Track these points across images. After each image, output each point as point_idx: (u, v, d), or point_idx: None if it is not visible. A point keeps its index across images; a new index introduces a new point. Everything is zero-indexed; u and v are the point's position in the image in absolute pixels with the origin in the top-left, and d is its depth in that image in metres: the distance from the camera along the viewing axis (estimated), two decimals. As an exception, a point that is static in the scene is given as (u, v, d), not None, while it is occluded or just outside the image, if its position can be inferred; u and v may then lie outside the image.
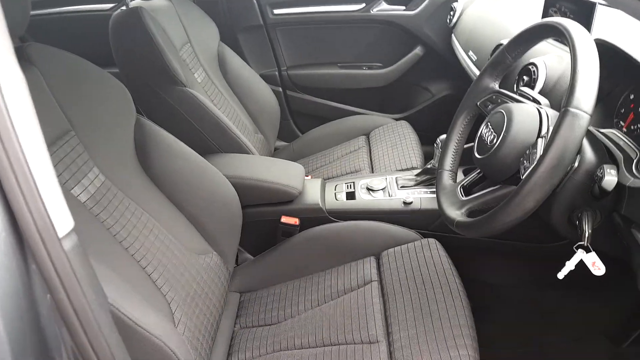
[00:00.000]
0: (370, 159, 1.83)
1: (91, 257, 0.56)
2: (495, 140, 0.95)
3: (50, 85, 0.98)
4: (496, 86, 1.11)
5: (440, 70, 2.16)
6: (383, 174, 1.55)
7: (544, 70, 1.12)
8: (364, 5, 2.15)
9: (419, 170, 1.49)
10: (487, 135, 0.99)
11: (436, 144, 1.39)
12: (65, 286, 0.49)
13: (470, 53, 1.71)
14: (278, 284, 1.35)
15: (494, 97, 1.09)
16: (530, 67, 1.15)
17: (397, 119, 2.03)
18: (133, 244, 1.03)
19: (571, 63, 0.81)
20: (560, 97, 1.07)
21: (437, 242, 1.30)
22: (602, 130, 0.95)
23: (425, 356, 1.01)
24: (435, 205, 1.38)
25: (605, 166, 0.81)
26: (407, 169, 1.66)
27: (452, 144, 1.16)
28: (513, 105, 0.96)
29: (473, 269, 1.25)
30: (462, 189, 1.08)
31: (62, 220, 0.49)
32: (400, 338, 1.06)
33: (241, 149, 1.59)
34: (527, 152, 0.88)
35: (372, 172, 1.74)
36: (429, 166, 1.44)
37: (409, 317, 1.11)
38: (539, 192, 0.79)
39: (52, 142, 0.94)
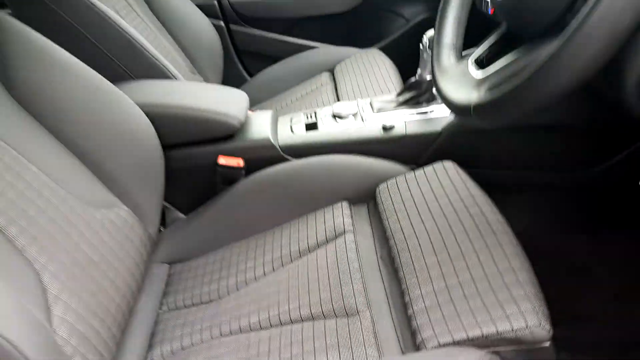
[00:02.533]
0: (337, 96, 1.47)
1: None
2: None
3: None
4: None
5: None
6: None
7: None
8: None
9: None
10: None
11: (423, 44, 1.03)
12: None
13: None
14: (220, 249, 0.98)
15: None
16: None
17: (365, 50, 1.67)
18: None
19: None
20: None
21: (454, 163, 0.93)
22: None
23: (453, 324, 0.66)
24: (427, 128, 1.03)
25: None
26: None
27: (450, 8, 0.79)
28: None
29: None
30: (475, 64, 0.72)
31: None
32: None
33: (164, 77, 1.20)
34: None
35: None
36: (414, 79, 1.08)
37: (408, 272, 0.76)
38: (605, 36, 0.46)
39: None
